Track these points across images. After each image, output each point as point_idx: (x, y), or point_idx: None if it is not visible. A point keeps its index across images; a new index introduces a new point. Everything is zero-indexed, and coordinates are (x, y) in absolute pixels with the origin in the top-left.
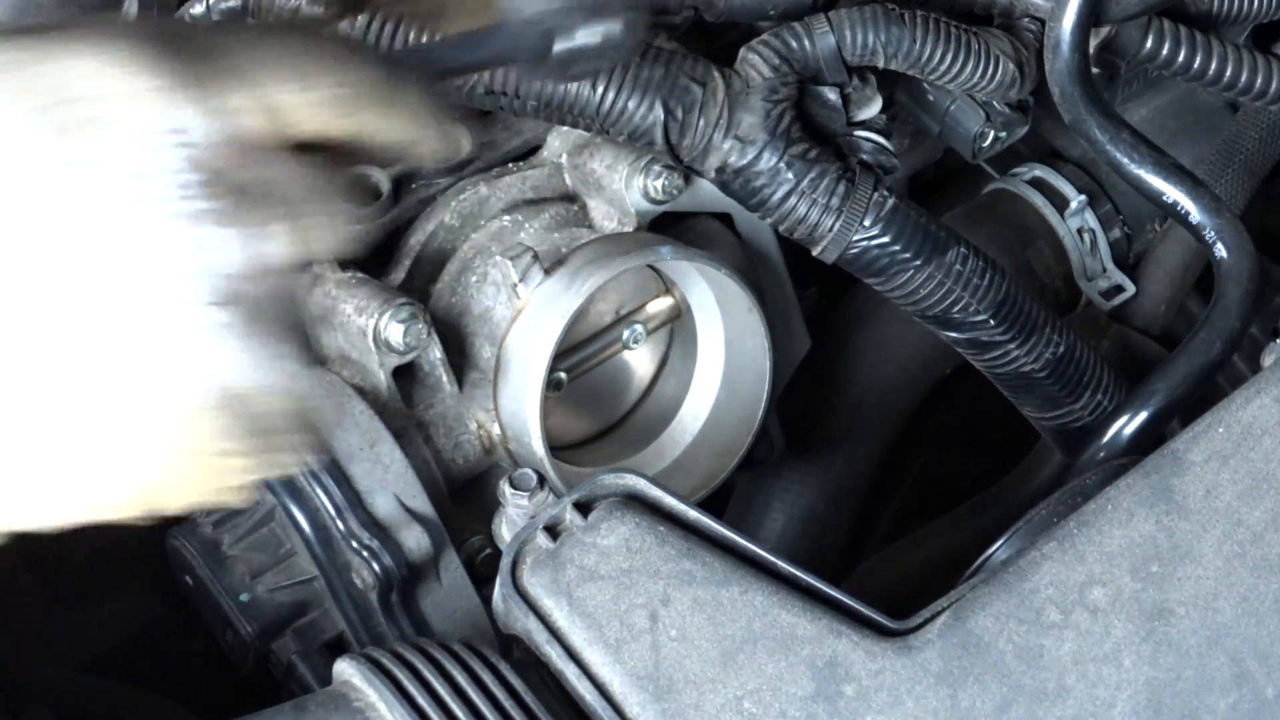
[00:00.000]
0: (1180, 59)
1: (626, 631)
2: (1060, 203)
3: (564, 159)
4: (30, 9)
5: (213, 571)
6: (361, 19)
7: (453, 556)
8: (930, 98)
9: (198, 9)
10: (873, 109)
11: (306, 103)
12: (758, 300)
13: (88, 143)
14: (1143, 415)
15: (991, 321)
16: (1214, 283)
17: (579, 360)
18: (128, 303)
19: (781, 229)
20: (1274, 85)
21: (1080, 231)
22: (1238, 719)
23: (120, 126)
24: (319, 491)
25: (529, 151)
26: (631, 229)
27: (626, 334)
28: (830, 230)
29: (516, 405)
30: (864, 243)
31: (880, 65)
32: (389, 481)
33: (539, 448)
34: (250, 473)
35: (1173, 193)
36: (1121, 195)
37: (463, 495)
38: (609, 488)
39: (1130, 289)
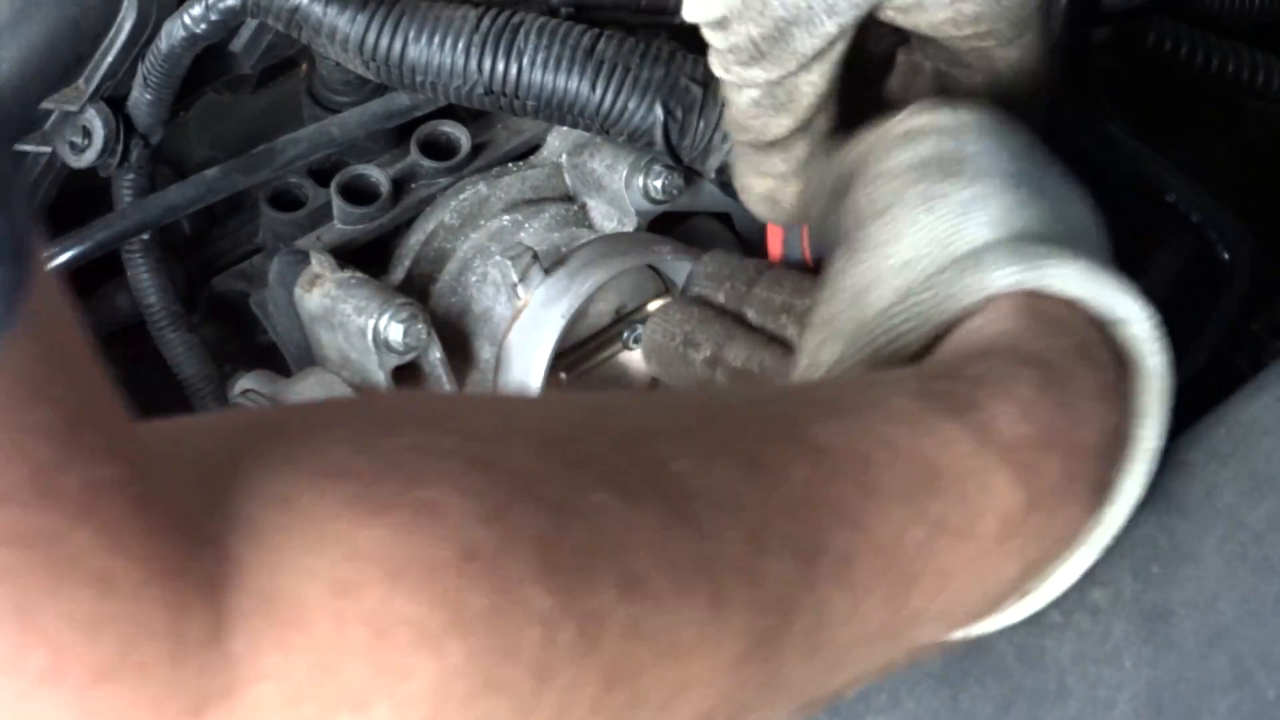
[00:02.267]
0: (1181, 57)
1: None
2: None
3: (564, 159)
4: (30, 9)
5: None
6: None
7: None
8: None
9: (196, 9)
10: None
11: None
12: None
13: None
14: None
15: None
16: (1214, 283)
17: (579, 360)
18: None
19: None
20: (1276, 84)
21: None
22: None
23: None
24: None
25: (529, 151)
26: (631, 229)
27: (626, 334)
28: None
29: None
30: None
31: None
32: None
33: None
34: None
35: (1173, 192)
36: (1120, 194)
37: None
38: None
39: None
